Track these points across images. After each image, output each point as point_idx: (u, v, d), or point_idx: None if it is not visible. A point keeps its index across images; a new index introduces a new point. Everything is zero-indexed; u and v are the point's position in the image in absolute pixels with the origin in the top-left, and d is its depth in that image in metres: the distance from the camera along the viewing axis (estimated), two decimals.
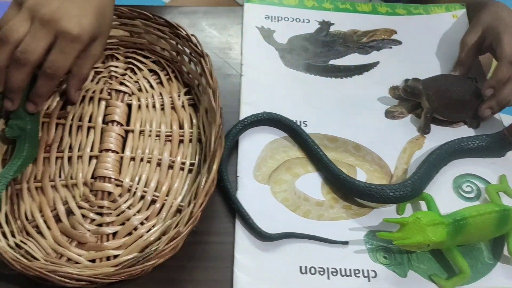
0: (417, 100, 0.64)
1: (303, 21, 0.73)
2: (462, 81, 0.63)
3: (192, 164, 0.55)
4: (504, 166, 0.60)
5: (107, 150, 0.54)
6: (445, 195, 0.57)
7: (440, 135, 0.62)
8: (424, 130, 0.62)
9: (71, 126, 0.56)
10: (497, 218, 0.51)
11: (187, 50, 0.60)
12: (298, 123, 0.61)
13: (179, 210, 0.52)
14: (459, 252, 0.51)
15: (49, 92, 0.52)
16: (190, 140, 0.57)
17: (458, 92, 0.61)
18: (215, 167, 0.49)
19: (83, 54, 0.50)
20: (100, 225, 0.50)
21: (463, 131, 0.63)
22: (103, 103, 0.58)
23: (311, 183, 0.57)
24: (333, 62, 0.69)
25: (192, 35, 0.59)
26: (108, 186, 0.52)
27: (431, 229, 0.49)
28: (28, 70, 0.48)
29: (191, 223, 0.46)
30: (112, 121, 0.56)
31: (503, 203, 0.55)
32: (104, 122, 0.57)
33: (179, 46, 0.61)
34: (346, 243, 0.52)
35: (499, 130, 0.60)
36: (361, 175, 0.58)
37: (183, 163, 0.55)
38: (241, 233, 0.52)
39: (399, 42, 0.72)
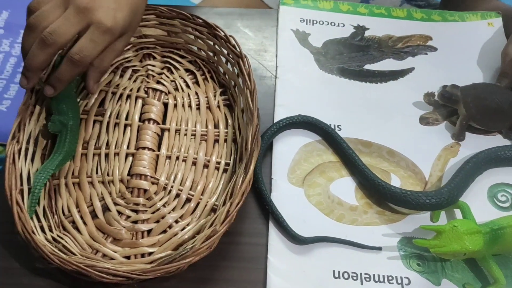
0: (454, 107, 0.63)
1: (338, 25, 0.72)
2: (501, 90, 0.62)
3: (227, 164, 0.55)
4: None
5: (144, 148, 0.55)
6: (479, 203, 0.56)
7: (475, 143, 0.61)
8: (458, 137, 0.61)
9: (108, 123, 0.57)
10: None
11: (225, 51, 0.60)
12: (332, 127, 0.61)
13: (213, 210, 0.52)
14: (494, 261, 0.50)
15: (70, 79, 0.50)
16: (225, 140, 0.57)
17: (497, 101, 0.60)
18: (252, 166, 0.49)
19: (108, 47, 0.50)
20: (135, 222, 0.51)
21: (498, 141, 0.62)
22: (140, 101, 0.59)
23: (345, 187, 0.56)
24: (367, 67, 0.68)
25: (231, 36, 0.59)
26: (144, 184, 0.52)
27: (468, 238, 0.48)
28: (51, 51, 0.47)
29: (228, 222, 0.46)
30: (149, 119, 0.57)
31: None
32: (140, 120, 0.57)
33: (216, 46, 0.62)
34: (379, 248, 0.52)
35: None
36: (395, 181, 0.57)
37: (218, 163, 0.55)
38: (274, 235, 0.52)
39: (435, 49, 0.71)
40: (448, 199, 0.53)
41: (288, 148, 0.59)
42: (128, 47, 0.63)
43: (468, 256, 0.49)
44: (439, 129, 0.63)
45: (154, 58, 0.64)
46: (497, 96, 0.61)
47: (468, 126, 0.62)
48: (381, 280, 0.50)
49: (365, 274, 0.50)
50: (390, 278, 0.50)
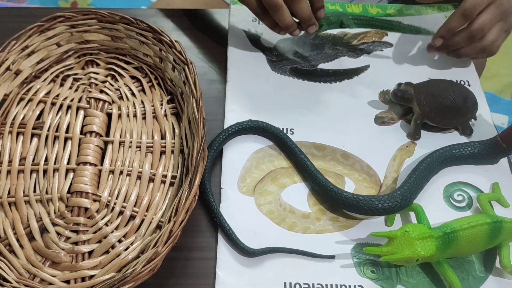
0: (408, 105, 0.62)
1: None
2: (456, 86, 0.61)
3: (174, 177, 0.53)
4: (497, 173, 0.58)
5: (85, 163, 0.52)
6: (435, 204, 0.55)
7: (431, 141, 0.60)
8: (413, 136, 0.60)
9: (47, 137, 0.54)
10: (489, 230, 0.49)
11: (171, 57, 0.58)
12: (285, 131, 0.59)
13: (159, 226, 0.50)
14: (449, 265, 0.49)
15: None
16: (172, 151, 0.55)
17: (451, 97, 0.59)
18: (197, 181, 0.47)
19: None
20: (75, 243, 0.48)
21: (454, 138, 0.61)
22: (81, 112, 0.56)
23: (297, 194, 0.55)
24: (322, 66, 0.66)
25: (176, 41, 0.57)
26: (85, 202, 0.50)
27: (420, 243, 0.47)
28: None
29: (170, 242, 0.44)
30: (91, 132, 0.54)
31: (495, 213, 0.53)
32: (82, 132, 0.55)
33: (162, 52, 0.59)
34: (332, 257, 0.51)
35: (491, 136, 0.58)
36: (350, 185, 0.56)
37: (165, 176, 0.53)
38: (223, 249, 0.50)
39: (390, 45, 0.70)
40: (401, 202, 0.52)
41: (238, 156, 0.57)
42: (70, 53, 0.60)
43: (421, 262, 0.49)
44: (395, 128, 0.62)
45: (98, 65, 0.61)
46: (451, 93, 0.60)
47: (424, 124, 0.61)
48: None
49: (318, 284, 0.49)
50: (343, 287, 0.49)
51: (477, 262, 0.52)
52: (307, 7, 0.59)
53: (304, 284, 0.49)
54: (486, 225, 0.49)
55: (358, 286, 0.49)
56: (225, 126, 0.59)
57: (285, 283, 0.49)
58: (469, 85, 0.66)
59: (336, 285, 0.49)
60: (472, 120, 0.62)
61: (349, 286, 0.49)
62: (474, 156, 0.58)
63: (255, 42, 0.68)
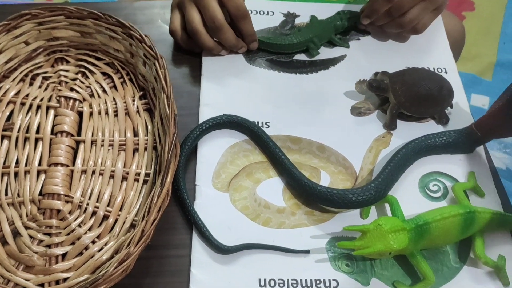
0: (384, 95, 0.61)
1: (267, 14, 0.69)
2: (431, 75, 0.61)
3: (147, 175, 0.53)
4: (473, 162, 0.58)
5: (56, 164, 0.52)
6: (411, 195, 0.55)
7: (408, 131, 0.60)
8: (389, 126, 0.60)
9: (17, 138, 0.53)
10: (462, 221, 0.49)
11: (141, 52, 0.57)
12: (260, 125, 0.59)
13: (133, 226, 0.50)
14: (422, 257, 0.49)
15: None
16: (146, 149, 0.54)
17: (426, 86, 0.59)
18: (168, 179, 0.46)
19: None
20: (48, 246, 0.48)
21: (431, 127, 0.61)
22: (52, 112, 0.55)
23: (272, 189, 0.55)
24: (298, 57, 0.66)
25: (146, 35, 0.56)
26: (57, 203, 0.49)
27: (393, 236, 0.47)
28: None
29: (142, 242, 0.44)
30: (62, 132, 0.54)
31: (469, 203, 0.53)
32: (53, 132, 0.54)
33: (133, 47, 0.58)
34: (307, 252, 0.51)
35: (468, 124, 0.58)
36: (325, 178, 0.56)
37: (138, 174, 0.53)
38: (198, 246, 0.50)
39: (368, 33, 0.69)
40: (376, 195, 0.52)
41: (213, 151, 0.57)
42: (38, 51, 0.59)
43: (394, 254, 0.49)
44: (371, 119, 0.61)
45: (68, 62, 0.60)
46: (426, 82, 0.59)
47: (400, 114, 0.60)
48: (309, 284, 0.49)
49: (292, 280, 0.49)
50: (318, 282, 0.49)
51: (452, 253, 0.52)
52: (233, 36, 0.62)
53: (279, 280, 0.49)
54: (458, 216, 0.49)
55: (333, 280, 0.49)
56: (200, 121, 0.58)
57: (259, 280, 0.49)
58: (446, 73, 0.66)
59: (311, 280, 0.49)
60: (449, 108, 0.62)
61: (324, 280, 0.49)
62: (450, 145, 0.58)
63: None
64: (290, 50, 0.65)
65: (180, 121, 0.56)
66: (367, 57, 0.66)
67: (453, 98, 0.61)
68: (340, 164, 0.57)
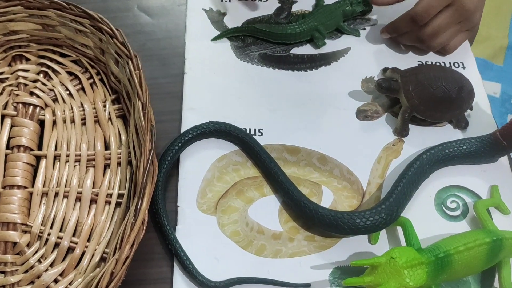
0: (395, 96, 0.53)
1: (260, 0, 0.61)
2: (448, 73, 0.53)
3: (120, 196, 0.45)
4: (496, 174, 0.51)
5: (12, 186, 0.44)
6: (426, 214, 0.48)
7: (421, 138, 0.52)
8: (401, 132, 0.52)
9: None
10: (487, 251, 0.43)
11: (112, 49, 0.49)
12: (252, 132, 0.51)
13: (103, 259, 0.42)
14: None
15: None
16: (119, 164, 0.47)
17: (443, 88, 0.51)
18: (143, 207, 0.39)
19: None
20: (3, 286, 0.41)
21: (448, 132, 0.53)
22: (7, 122, 0.47)
23: (267, 210, 0.47)
24: (295, 51, 0.57)
25: (118, 29, 0.47)
26: (13, 234, 0.42)
27: (409, 272, 0.40)
28: None
29: (113, 286, 0.37)
30: (19, 146, 0.46)
31: (495, 227, 0.46)
32: (8, 147, 0.46)
33: (103, 42, 0.50)
34: (308, 286, 0.44)
35: (489, 128, 0.51)
36: (328, 195, 0.49)
37: (110, 195, 0.45)
38: (180, 282, 0.43)
39: (375, 21, 0.60)
40: (386, 218, 0.45)
41: (198, 165, 0.49)
42: None
43: None
44: (380, 123, 0.54)
45: (28, 60, 0.51)
46: (443, 82, 0.51)
47: (412, 117, 0.53)
48: None
49: None
50: None
51: (473, 283, 0.45)
52: None
53: None
54: (484, 245, 0.42)
55: None
56: (183, 129, 0.50)
57: None
58: (463, 68, 0.58)
59: None
60: (468, 110, 0.54)
61: None
62: (470, 155, 0.50)
63: (217, 23, 0.58)
64: (292, 40, 0.57)
65: (160, 128, 0.49)
66: (375, 50, 0.58)
67: (473, 100, 0.53)
68: (344, 179, 0.50)
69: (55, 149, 0.46)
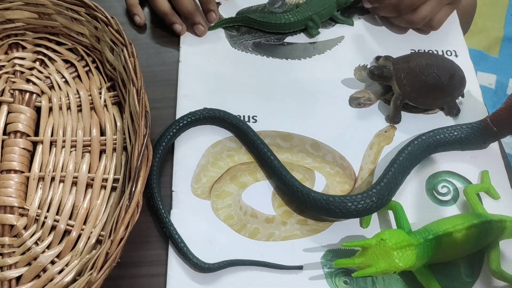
0: (388, 83, 0.54)
1: None
2: (440, 60, 0.53)
3: (116, 180, 0.46)
4: (487, 160, 0.52)
5: (9, 171, 0.45)
6: (417, 199, 0.49)
7: (413, 124, 0.53)
8: (393, 119, 0.53)
9: None
10: (476, 233, 0.43)
11: (107, 37, 0.49)
12: (246, 119, 0.52)
13: (99, 241, 0.43)
14: (430, 272, 0.43)
15: None
16: (114, 149, 0.47)
17: (435, 75, 0.51)
18: (138, 190, 0.40)
19: None
20: (0, 268, 0.41)
21: (440, 119, 0.54)
22: (4, 108, 0.48)
23: (260, 194, 0.48)
24: (289, 39, 0.58)
25: (113, 17, 0.48)
26: (10, 217, 0.43)
27: (398, 253, 0.41)
28: None
29: (108, 267, 0.37)
30: (16, 132, 0.46)
31: (484, 210, 0.47)
32: (5, 133, 0.47)
33: (98, 30, 0.50)
34: (300, 268, 0.44)
35: (481, 115, 0.52)
36: (320, 180, 0.49)
37: (105, 180, 0.46)
38: (174, 264, 0.44)
39: (368, 11, 0.61)
40: (378, 202, 0.46)
41: (192, 151, 0.50)
42: None
43: (399, 272, 0.43)
44: (372, 110, 0.54)
45: (24, 48, 0.52)
46: (435, 69, 0.52)
47: (405, 104, 0.53)
48: None
49: None
50: None
51: (463, 266, 0.46)
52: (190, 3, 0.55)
53: None
54: (473, 227, 0.43)
55: None
56: (178, 115, 0.51)
57: None
58: (456, 56, 0.58)
59: None
60: (460, 97, 0.55)
61: None
62: (461, 141, 0.51)
63: None
64: (286, 30, 0.57)
65: (155, 115, 0.50)
66: (368, 39, 0.59)
67: (465, 87, 0.54)
68: (337, 164, 0.50)
69: (52, 135, 0.47)
